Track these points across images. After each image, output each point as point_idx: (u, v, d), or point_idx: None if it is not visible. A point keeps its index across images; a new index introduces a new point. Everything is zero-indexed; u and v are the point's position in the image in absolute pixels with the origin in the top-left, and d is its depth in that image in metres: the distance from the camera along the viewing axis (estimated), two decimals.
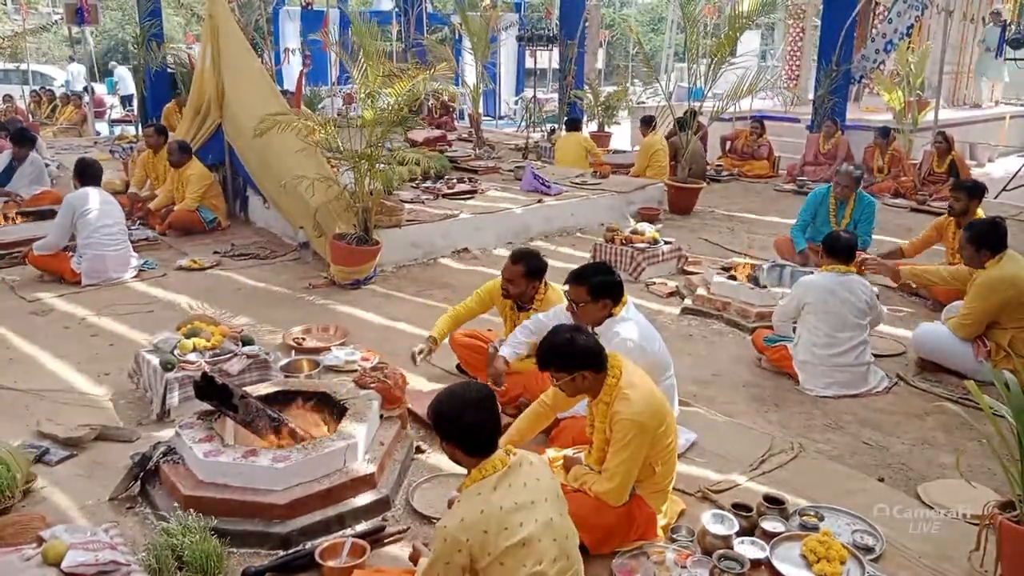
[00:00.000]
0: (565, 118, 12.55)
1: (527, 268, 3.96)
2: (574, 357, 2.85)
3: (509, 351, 3.81)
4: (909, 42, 11.80)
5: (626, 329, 3.49)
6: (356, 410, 3.43)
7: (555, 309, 3.81)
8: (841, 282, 4.38)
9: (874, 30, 12.37)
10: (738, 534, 2.90)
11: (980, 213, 5.66)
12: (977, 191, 5.77)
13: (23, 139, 8.25)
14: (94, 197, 6.00)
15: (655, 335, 3.65)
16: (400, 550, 2.93)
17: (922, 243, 6.03)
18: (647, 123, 10.54)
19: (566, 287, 3.62)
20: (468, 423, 2.30)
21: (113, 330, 5.18)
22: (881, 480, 3.49)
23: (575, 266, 3.86)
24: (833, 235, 4.60)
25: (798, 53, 16.44)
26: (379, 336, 5.12)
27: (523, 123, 15.93)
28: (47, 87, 17.68)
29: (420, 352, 4.14)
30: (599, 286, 3.50)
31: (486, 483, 2.28)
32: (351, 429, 3.27)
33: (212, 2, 7.76)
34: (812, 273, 4.87)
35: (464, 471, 2.41)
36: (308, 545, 2.89)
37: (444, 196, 8.13)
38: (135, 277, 6.21)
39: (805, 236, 6.45)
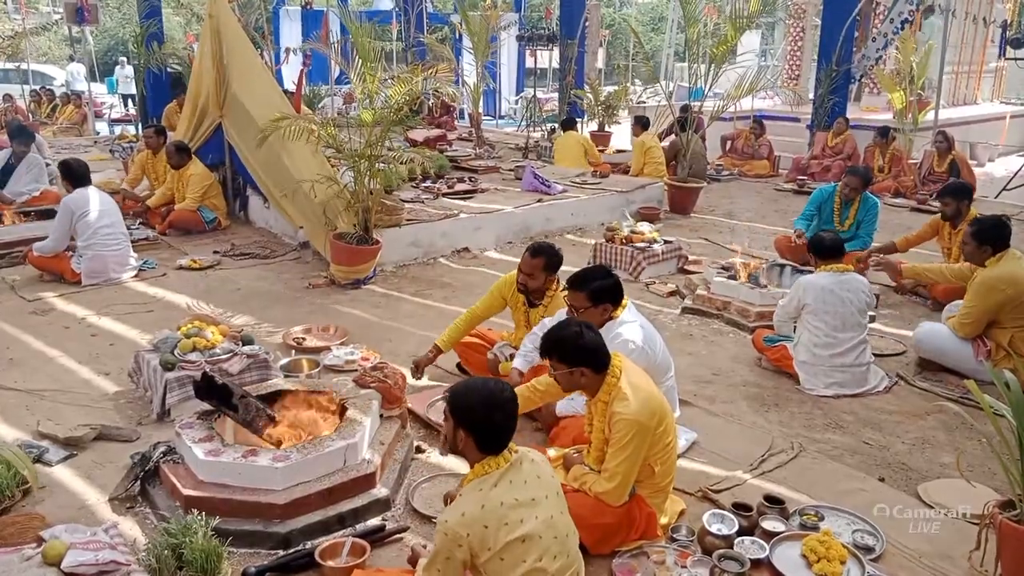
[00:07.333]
0: (563, 118, 12.56)
1: (547, 262, 4.00)
2: (578, 352, 2.84)
3: (522, 362, 3.79)
4: (912, 40, 11.79)
5: (628, 331, 3.47)
6: (356, 410, 3.43)
7: (560, 313, 3.80)
8: (840, 281, 4.37)
9: (875, 30, 12.37)
10: (738, 534, 2.90)
11: (974, 212, 5.66)
12: (962, 192, 5.78)
13: (21, 134, 8.15)
14: (92, 198, 5.97)
15: (656, 337, 3.64)
16: (400, 550, 2.93)
17: (916, 239, 6.03)
18: (639, 122, 10.54)
19: (565, 292, 3.61)
20: (496, 423, 2.32)
21: (113, 330, 5.18)
22: (881, 480, 3.49)
23: (575, 268, 3.85)
24: (816, 238, 4.62)
25: (798, 53, 16.45)
26: (379, 336, 5.12)
27: (523, 123, 15.92)
28: (47, 87, 17.68)
29: (418, 368, 4.17)
30: (599, 291, 3.47)
31: (487, 479, 2.30)
32: (351, 429, 3.27)
33: (213, 2, 7.75)
34: (812, 272, 4.87)
35: (462, 467, 2.41)
36: (308, 545, 2.90)
37: (444, 196, 8.14)
38: (135, 277, 6.21)
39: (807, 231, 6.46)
